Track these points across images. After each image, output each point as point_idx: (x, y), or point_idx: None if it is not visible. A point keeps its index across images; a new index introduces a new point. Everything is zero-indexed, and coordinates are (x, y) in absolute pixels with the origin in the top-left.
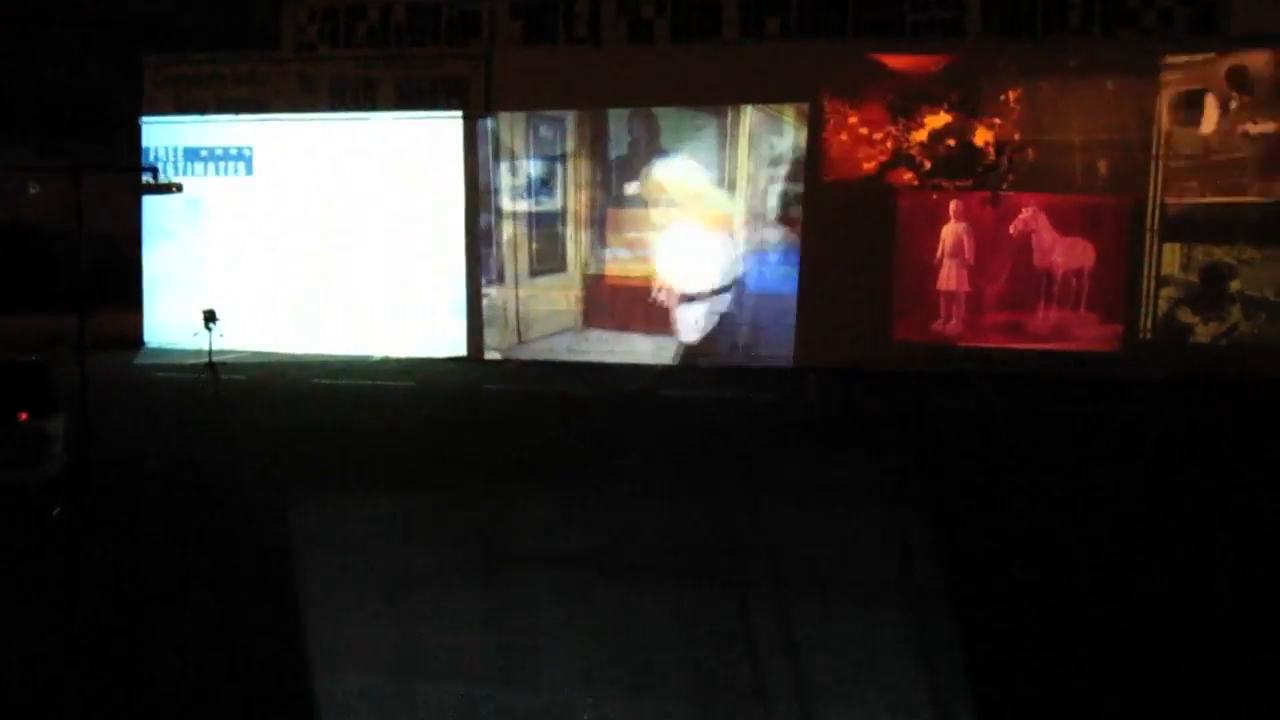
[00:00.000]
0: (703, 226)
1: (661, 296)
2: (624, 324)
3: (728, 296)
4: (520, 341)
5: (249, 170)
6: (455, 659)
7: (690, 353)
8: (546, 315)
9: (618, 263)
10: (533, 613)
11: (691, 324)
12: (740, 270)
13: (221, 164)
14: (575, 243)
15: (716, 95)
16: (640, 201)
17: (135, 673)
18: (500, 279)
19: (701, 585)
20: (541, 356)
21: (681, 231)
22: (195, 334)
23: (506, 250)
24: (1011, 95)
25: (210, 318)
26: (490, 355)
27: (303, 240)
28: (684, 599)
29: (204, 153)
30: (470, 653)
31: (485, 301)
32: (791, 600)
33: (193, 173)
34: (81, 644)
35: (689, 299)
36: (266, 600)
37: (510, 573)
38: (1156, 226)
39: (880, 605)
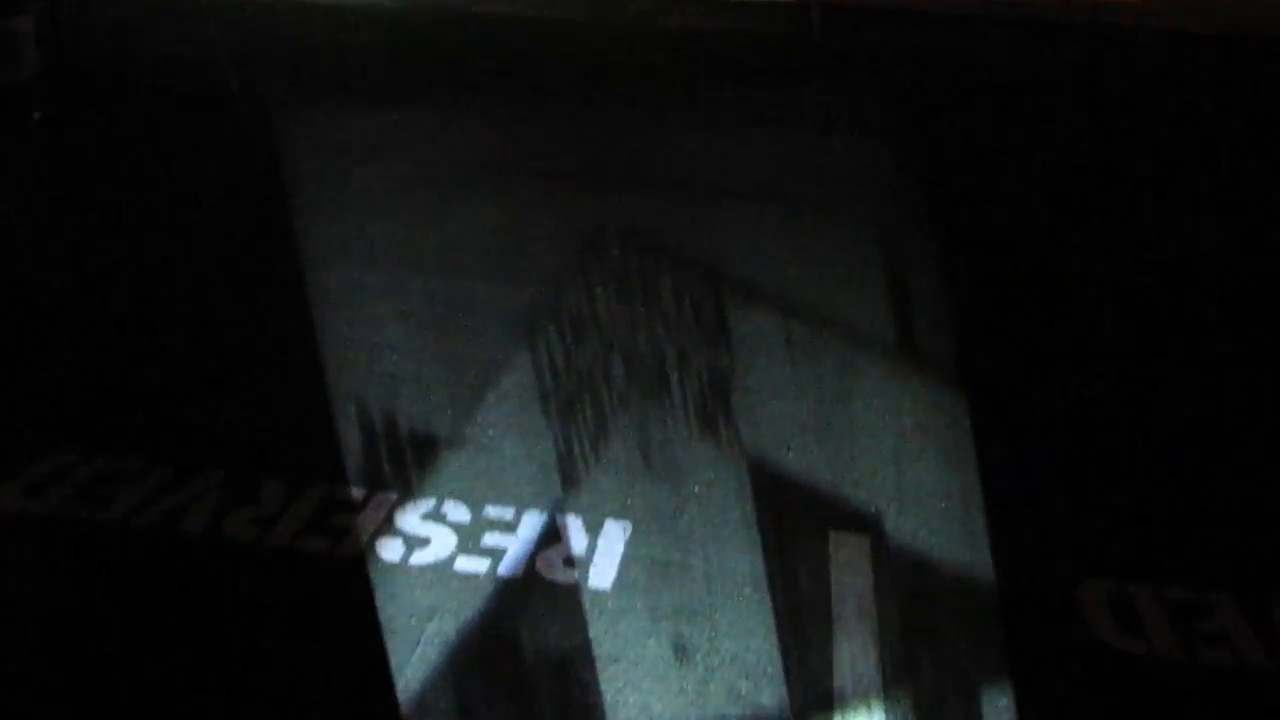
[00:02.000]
0: None
1: None
2: None
3: None
4: None
5: None
6: (441, 256)
7: None
8: None
9: None
10: (523, 217)
11: None
12: None
13: None
14: None
15: None
16: None
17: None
18: None
19: (693, 197)
20: None
21: None
22: None
23: None
24: None
25: None
26: None
27: None
28: (669, 208)
29: None
30: (456, 251)
31: None
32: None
33: None
34: (68, 262)
35: None
36: (256, 204)
37: (502, 182)
38: None
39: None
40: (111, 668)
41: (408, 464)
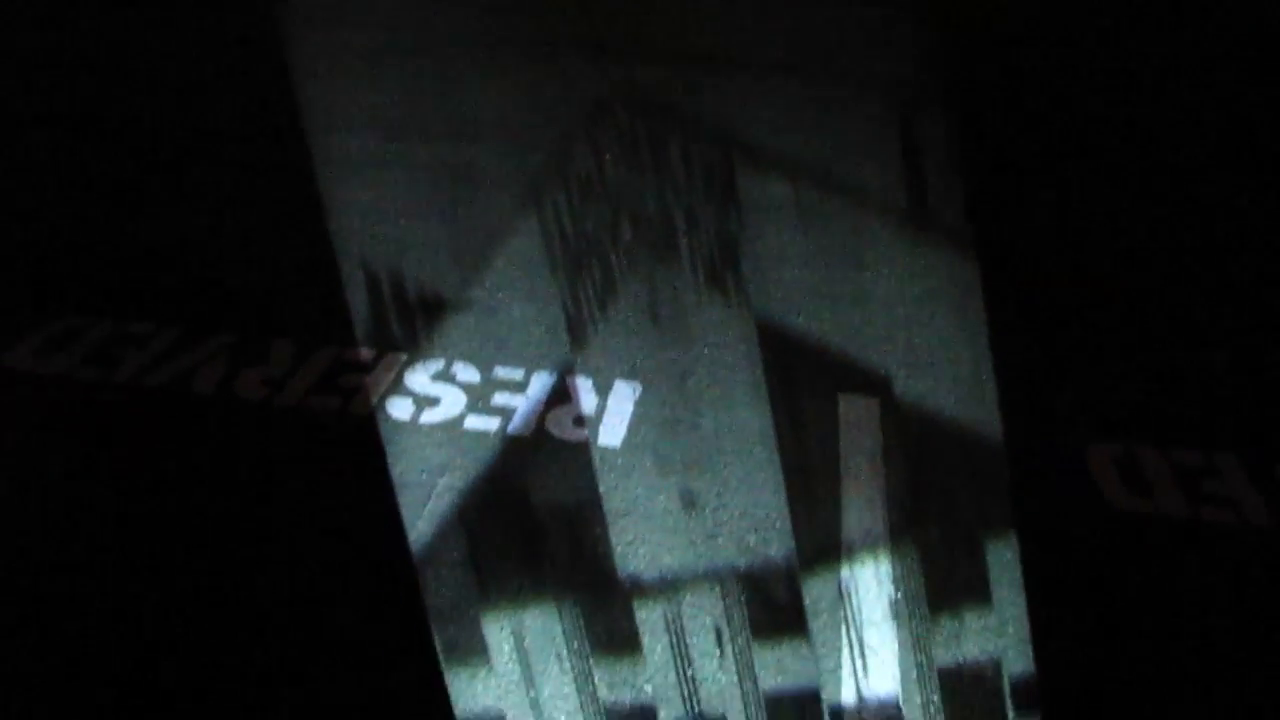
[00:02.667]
0: None
1: None
2: None
3: None
4: None
5: None
6: (445, 124)
7: None
8: None
9: None
10: (530, 85)
11: None
12: None
13: None
14: None
15: None
16: None
17: None
18: None
19: (706, 67)
20: None
21: None
22: None
23: None
24: None
25: None
26: None
27: None
28: (680, 78)
29: None
30: (461, 118)
31: None
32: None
33: None
34: (71, 126)
35: None
36: (258, 71)
37: (508, 50)
38: None
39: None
40: (124, 524)
41: (416, 326)
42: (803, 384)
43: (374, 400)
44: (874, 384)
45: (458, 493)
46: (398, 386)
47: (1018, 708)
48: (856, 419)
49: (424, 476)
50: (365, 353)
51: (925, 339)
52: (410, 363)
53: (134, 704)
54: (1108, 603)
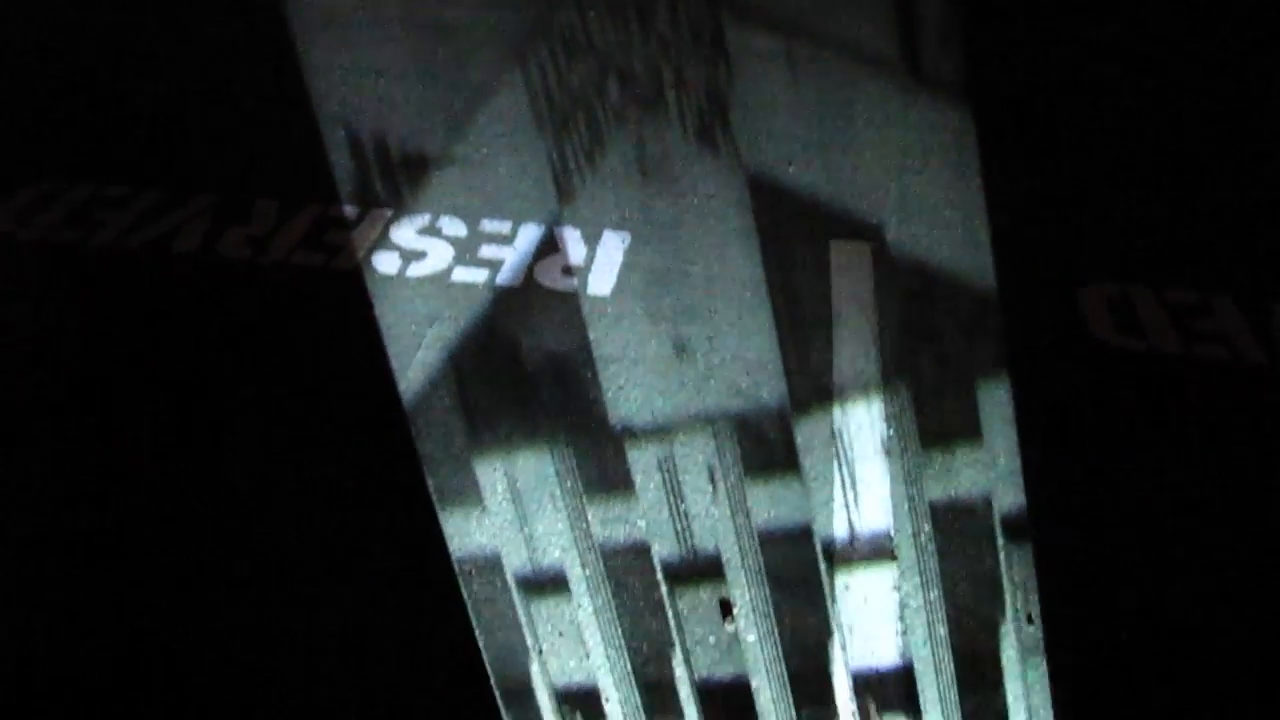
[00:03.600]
0: None
1: None
2: None
3: None
4: None
5: None
6: None
7: None
8: None
9: None
10: None
11: None
12: None
13: None
14: None
15: None
16: None
17: None
18: None
19: None
20: None
21: None
22: None
23: None
24: None
25: None
26: None
27: None
28: None
29: None
30: None
31: None
32: None
33: None
34: None
35: None
36: None
37: None
38: None
39: None
40: (111, 386)
41: (400, 183)
42: (794, 232)
43: (360, 256)
44: (866, 230)
45: (447, 343)
46: (384, 242)
47: (1009, 538)
48: (848, 264)
49: (413, 328)
50: (350, 210)
51: (918, 186)
52: (395, 218)
53: (117, 536)
54: (1099, 438)
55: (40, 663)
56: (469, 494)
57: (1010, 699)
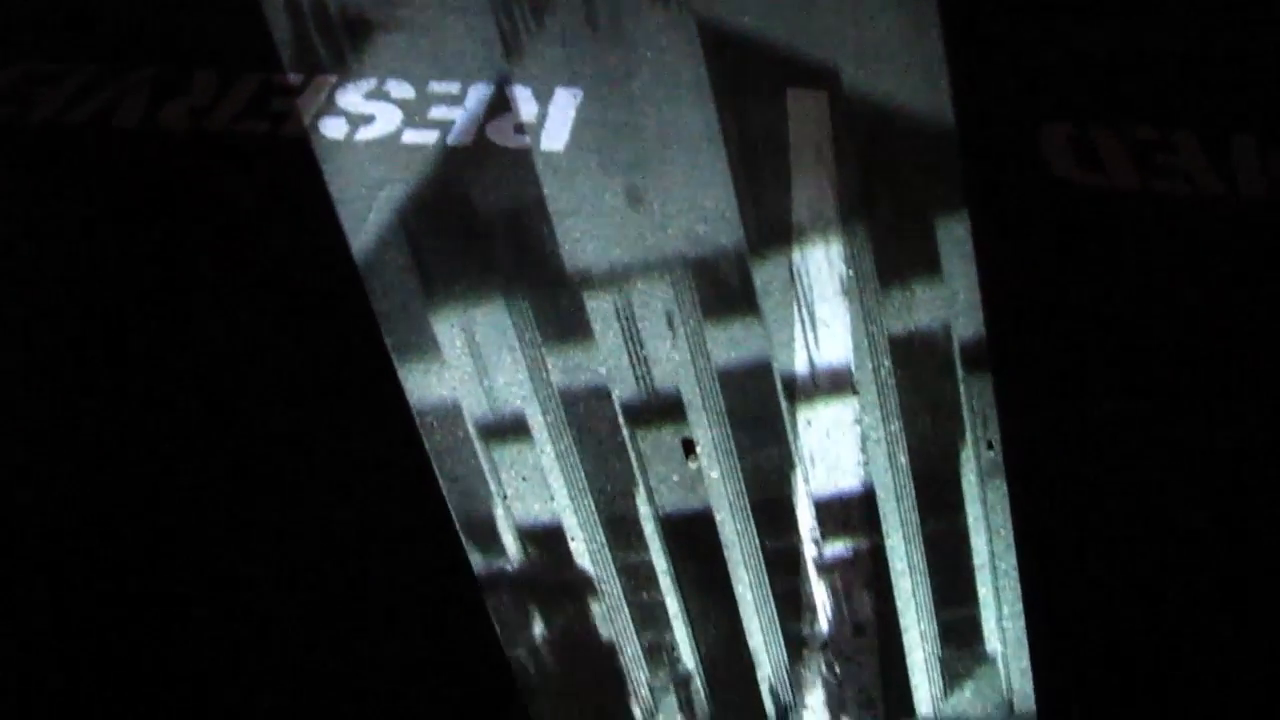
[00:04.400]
0: None
1: None
2: None
3: None
4: None
5: None
6: None
7: None
8: None
9: None
10: None
11: None
12: None
13: None
14: None
15: None
16: None
17: None
18: None
19: None
20: None
21: None
22: None
23: None
24: None
25: None
26: None
27: None
28: None
29: None
30: None
31: None
32: None
33: None
34: None
35: None
36: None
37: None
38: None
39: None
40: (57, 265)
41: (344, 48)
42: (750, 81)
43: (306, 122)
44: (823, 77)
45: (399, 203)
46: (330, 107)
47: (968, 369)
48: (805, 111)
49: (364, 191)
50: (293, 77)
51: (876, 33)
52: (341, 84)
53: (76, 419)
54: (1056, 270)
55: None
56: (427, 349)
57: (970, 520)
